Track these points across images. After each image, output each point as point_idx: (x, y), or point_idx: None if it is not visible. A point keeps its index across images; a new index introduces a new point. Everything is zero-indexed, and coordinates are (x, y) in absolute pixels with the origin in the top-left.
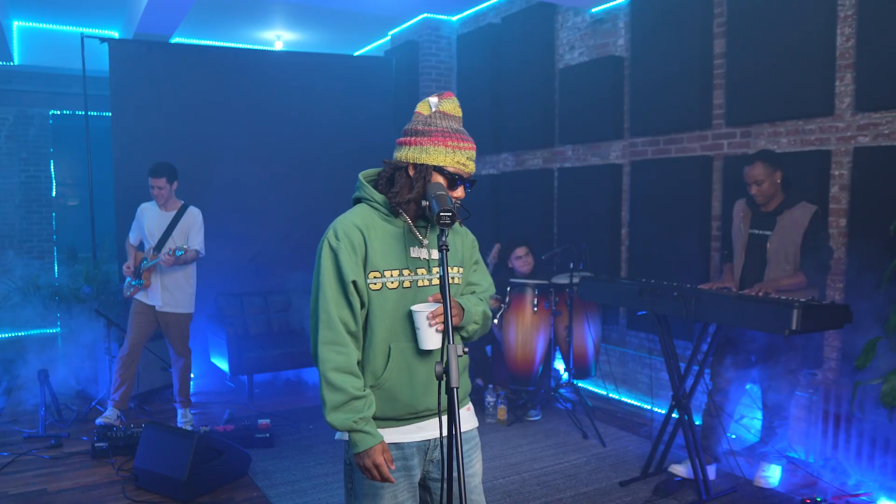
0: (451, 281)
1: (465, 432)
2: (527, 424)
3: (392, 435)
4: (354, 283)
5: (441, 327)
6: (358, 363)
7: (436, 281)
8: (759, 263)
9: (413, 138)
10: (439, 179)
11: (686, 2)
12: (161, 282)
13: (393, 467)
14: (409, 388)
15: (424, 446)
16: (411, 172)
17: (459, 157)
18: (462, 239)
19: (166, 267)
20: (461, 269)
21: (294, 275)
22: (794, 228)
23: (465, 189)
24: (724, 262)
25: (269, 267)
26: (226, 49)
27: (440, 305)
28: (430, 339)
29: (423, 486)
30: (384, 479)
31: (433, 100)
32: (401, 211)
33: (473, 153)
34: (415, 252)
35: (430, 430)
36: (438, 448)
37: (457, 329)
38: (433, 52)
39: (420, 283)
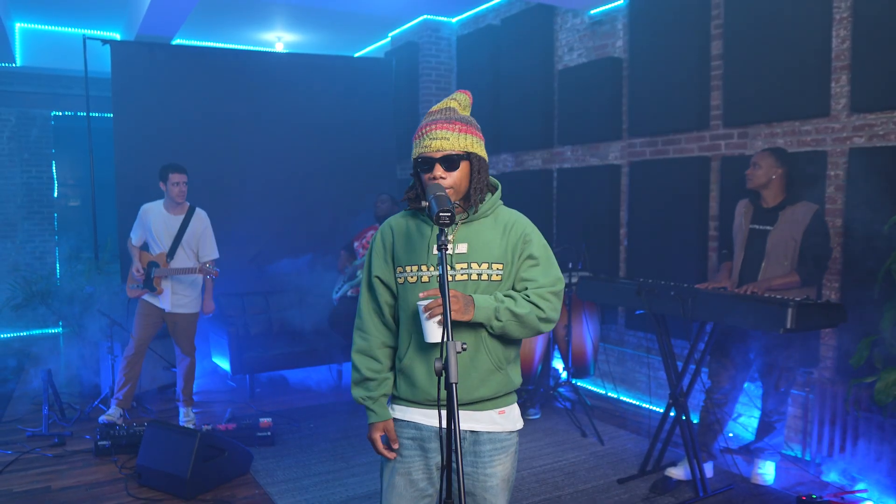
0: (484, 278)
1: (491, 433)
2: (526, 423)
3: (413, 414)
4: (378, 278)
5: (438, 320)
6: (386, 347)
7: (459, 277)
8: (758, 258)
9: None
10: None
11: (684, 4)
12: (171, 286)
13: (395, 446)
14: (424, 377)
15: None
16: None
17: (424, 142)
18: (506, 233)
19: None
20: (500, 266)
21: (294, 275)
22: (795, 225)
23: (444, 167)
24: (723, 261)
25: (270, 267)
26: (227, 50)
27: (432, 300)
28: (431, 332)
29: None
30: (380, 453)
31: None
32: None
33: (441, 131)
34: None
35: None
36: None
37: (473, 325)
38: (433, 53)
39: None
